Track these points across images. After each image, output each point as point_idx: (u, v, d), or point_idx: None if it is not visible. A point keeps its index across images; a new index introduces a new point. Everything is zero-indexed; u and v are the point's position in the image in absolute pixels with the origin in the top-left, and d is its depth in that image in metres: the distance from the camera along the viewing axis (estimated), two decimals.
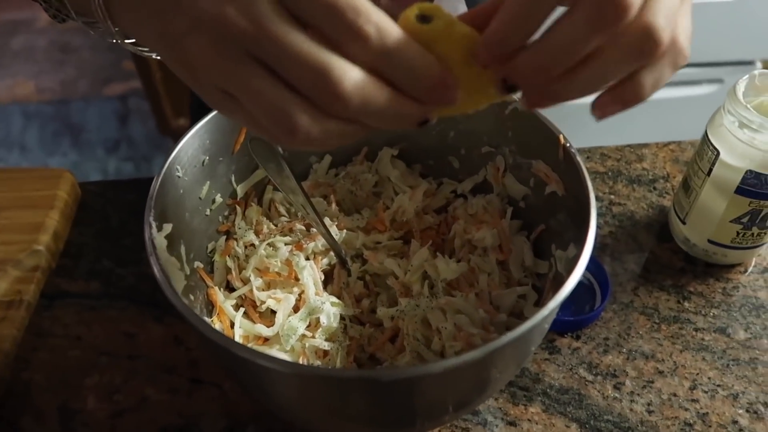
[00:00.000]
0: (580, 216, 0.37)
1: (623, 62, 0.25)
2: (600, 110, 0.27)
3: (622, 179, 0.69)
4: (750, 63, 2.00)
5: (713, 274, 0.59)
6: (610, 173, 0.70)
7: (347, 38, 0.24)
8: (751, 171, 0.51)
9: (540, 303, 0.45)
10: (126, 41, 0.34)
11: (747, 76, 0.54)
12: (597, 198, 0.67)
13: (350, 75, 0.25)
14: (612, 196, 0.67)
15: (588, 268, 0.59)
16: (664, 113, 1.62)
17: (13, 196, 0.61)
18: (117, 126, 2.29)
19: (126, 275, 0.59)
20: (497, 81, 0.27)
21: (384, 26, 0.24)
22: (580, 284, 0.59)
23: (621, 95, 0.26)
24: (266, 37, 0.25)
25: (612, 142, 0.75)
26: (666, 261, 0.60)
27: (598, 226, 0.64)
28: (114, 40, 0.34)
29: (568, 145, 0.41)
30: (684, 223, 0.59)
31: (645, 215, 0.65)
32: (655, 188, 0.68)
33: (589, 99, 0.28)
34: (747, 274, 0.59)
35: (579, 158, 0.40)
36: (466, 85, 0.27)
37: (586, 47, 0.25)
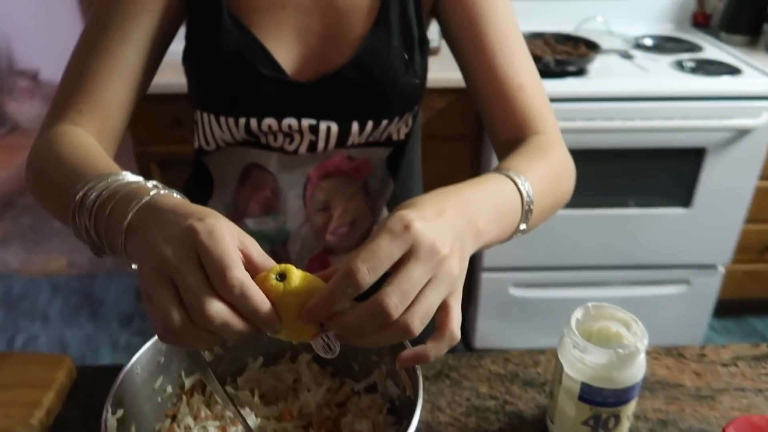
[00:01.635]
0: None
1: (389, 342, 0.44)
2: (400, 363, 0.45)
3: (517, 381, 0.83)
4: (712, 267, 2.17)
5: None
6: (508, 375, 0.84)
7: (221, 287, 0.43)
8: (584, 383, 0.66)
9: None
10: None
11: (583, 306, 0.70)
12: (494, 397, 0.81)
13: (215, 305, 0.42)
14: (507, 396, 0.81)
15: None
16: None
17: (21, 378, 0.77)
18: (133, 301, 2.49)
19: None
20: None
21: (244, 284, 0.43)
22: None
23: (418, 359, 0.44)
24: (179, 273, 0.43)
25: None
26: None
27: (491, 422, 0.77)
28: (133, 267, 0.51)
29: None
30: (552, 422, 0.72)
31: (531, 414, 0.78)
32: (544, 390, 0.81)
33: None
34: None
35: (419, 371, 0.55)
36: (292, 326, 0.45)
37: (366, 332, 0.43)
